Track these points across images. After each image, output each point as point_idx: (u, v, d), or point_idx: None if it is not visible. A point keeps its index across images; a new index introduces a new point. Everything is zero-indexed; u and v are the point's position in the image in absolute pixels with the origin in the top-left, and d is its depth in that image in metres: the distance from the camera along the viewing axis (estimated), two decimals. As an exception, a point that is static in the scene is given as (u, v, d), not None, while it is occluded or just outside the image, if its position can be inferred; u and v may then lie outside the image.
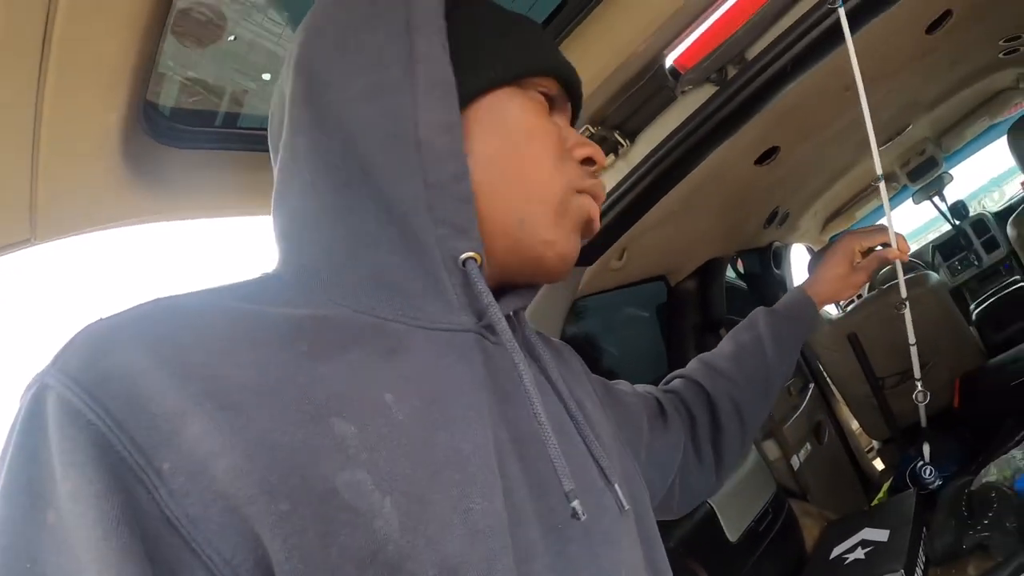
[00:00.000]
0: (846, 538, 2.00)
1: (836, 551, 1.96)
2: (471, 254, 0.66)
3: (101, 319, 0.54)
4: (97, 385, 0.48)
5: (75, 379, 0.48)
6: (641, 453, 1.00)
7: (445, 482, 0.56)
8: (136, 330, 0.53)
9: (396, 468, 0.54)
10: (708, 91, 1.54)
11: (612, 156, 1.66)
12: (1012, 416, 2.29)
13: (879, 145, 3.29)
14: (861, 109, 2.43)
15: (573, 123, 0.85)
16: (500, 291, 0.74)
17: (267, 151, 0.78)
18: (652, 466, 1.03)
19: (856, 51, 1.64)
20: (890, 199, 4.60)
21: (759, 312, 1.29)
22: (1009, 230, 3.17)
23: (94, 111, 0.89)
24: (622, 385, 1.10)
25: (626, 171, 1.66)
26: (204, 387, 0.50)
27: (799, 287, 1.34)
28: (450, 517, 0.55)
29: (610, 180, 1.69)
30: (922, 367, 3.24)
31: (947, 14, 2.01)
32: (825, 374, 3.39)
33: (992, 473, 1.97)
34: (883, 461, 3.56)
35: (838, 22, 1.37)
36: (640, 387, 1.15)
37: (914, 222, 5.75)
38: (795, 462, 2.66)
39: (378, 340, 0.62)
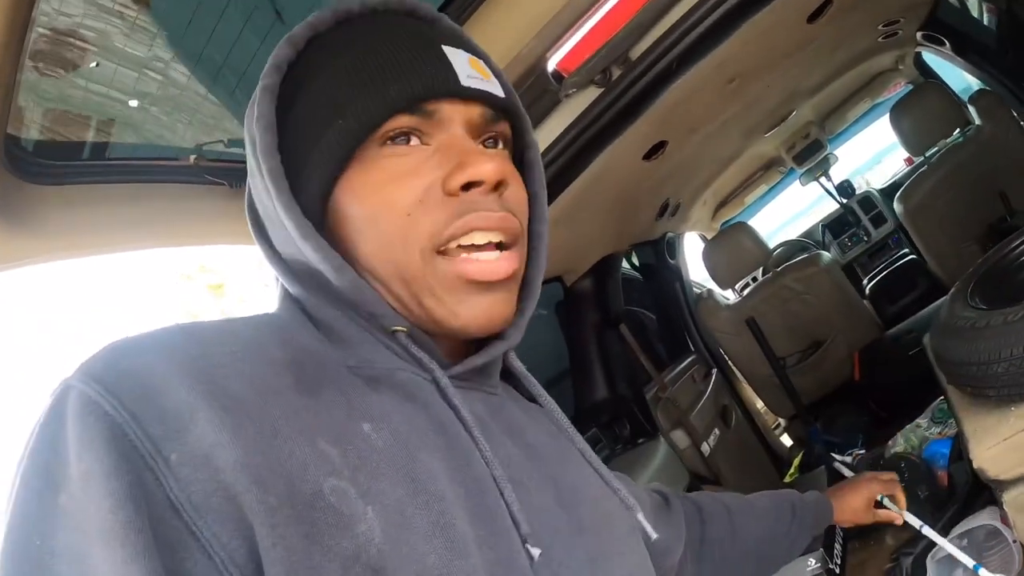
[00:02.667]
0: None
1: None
2: (397, 327, 0.70)
3: (124, 336, 0.58)
4: (115, 382, 0.52)
5: (95, 378, 0.52)
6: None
7: (425, 500, 0.59)
8: (152, 342, 0.57)
9: (377, 485, 0.57)
10: (593, 93, 1.51)
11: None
12: (911, 385, 2.32)
13: (765, 132, 3.35)
14: (745, 100, 2.45)
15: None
16: (473, 345, 0.77)
17: (141, 182, 0.82)
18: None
19: (739, 44, 1.62)
20: (777, 183, 4.69)
21: (801, 513, 1.40)
22: (896, 205, 3.24)
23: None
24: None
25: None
26: (211, 389, 0.53)
27: (828, 500, 1.50)
28: (431, 531, 0.58)
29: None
30: (820, 344, 3.32)
31: (827, 3, 2.03)
32: (727, 358, 3.43)
33: (900, 443, 2.00)
34: (790, 436, 3.65)
35: (720, 18, 1.34)
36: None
37: (801, 203, 5.88)
38: (705, 448, 2.66)
39: (351, 381, 0.65)
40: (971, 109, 3.14)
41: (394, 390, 0.67)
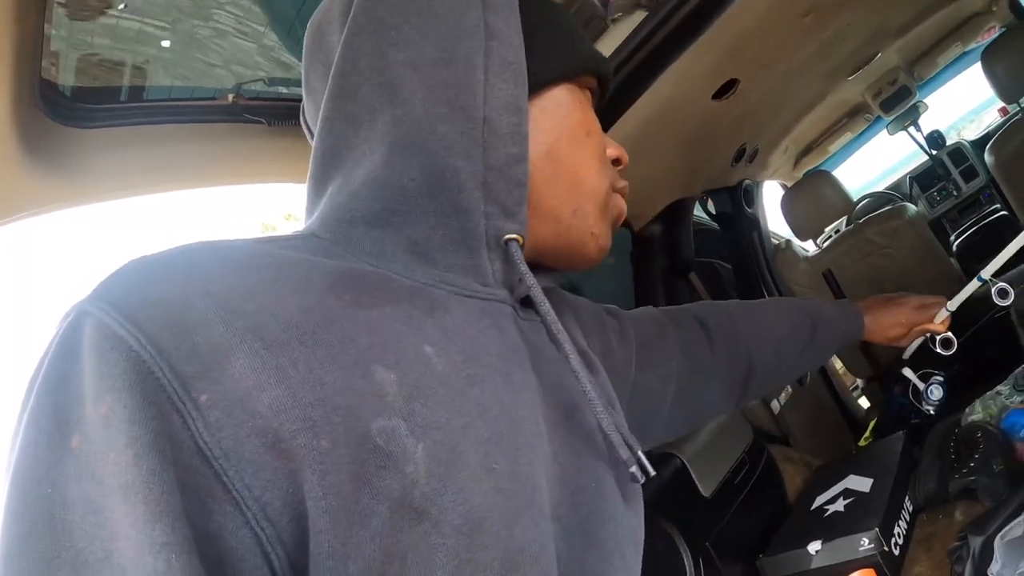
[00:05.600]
0: (830, 486, 1.93)
1: (818, 501, 1.88)
2: (515, 236, 0.68)
3: (144, 255, 0.54)
4: (140, 312, 0.48)
5: (116, 306, 0.48)
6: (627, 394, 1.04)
7: (475, 436, 0.57)
8: (183, 264, 0.53)
9: (432, 416, 0.55)
10: (639, 17, 1.48)
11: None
12: (997, 348, 2.25)
13: (848, 75, 3.21)
14: (823, 37, 2.34)
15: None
16: (532, 268, 0.73)
17: (179, 122, 0.77)
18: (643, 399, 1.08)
19: None
20: (863, 131, 4.50)
21: (821, 312, 1.39)
22: (987, 157, 3.08)
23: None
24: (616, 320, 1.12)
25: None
26: (249, 323, 0.50)
27: (858, 311, 1.46)
28: (478, 470, 0.56)
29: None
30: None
31: None
32: None
33: (978, 411, 1.89)
34: (868, 399, 3.49)
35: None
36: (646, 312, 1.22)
37: (891, 157, 5.66)
38: (775, 406, 2.58)
39: (416, 299, 0.63)
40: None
41: (464, 311, 0.66)
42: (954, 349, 1.39)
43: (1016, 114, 3.17)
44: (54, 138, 0.97)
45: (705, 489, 1.77)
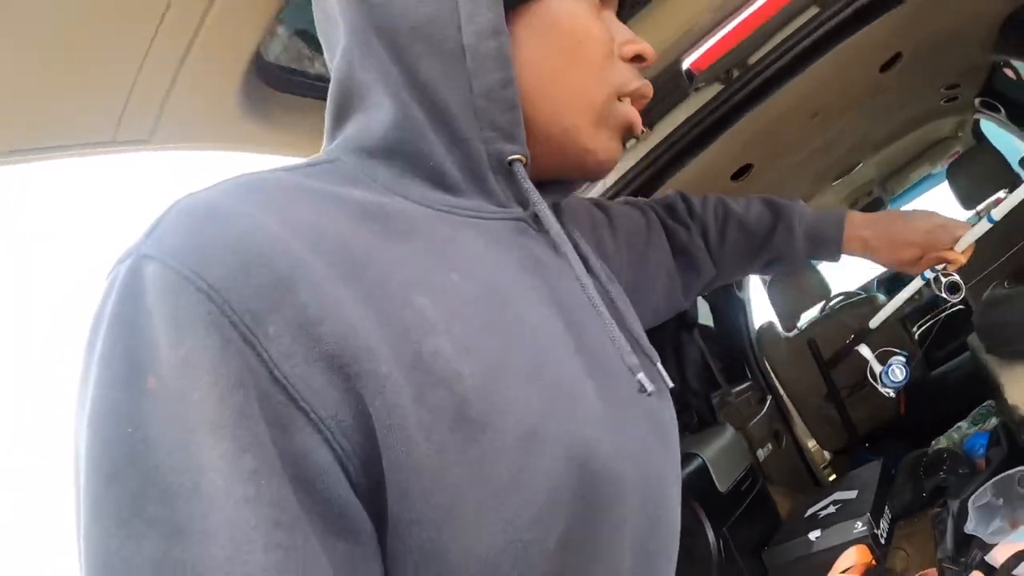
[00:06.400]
0: (819, 500, 2.31)
1: (811, 510, 2.25)
2: (517, 156, 0.68)
3: (191, 195, 0.54)
4: (201, 254, 0.48)
5: (176, 251, 0.49)
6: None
7: (518, 350, 0.59)
8: (231, 202, 0.53)
9: (472, 337, 0.56)
10: (715, 88, 1.86)
11: (633, 140, 1.94)
12: (954, 415, 2.59)
13: (833, 180, 3.68)
14: (824, 139, 2.78)
15: (624, 14, 0.81)
16: (540, 185, 0.74)
17: None
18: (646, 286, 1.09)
19: (818, 80, 1.97)
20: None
21: (785, 222, 1.19)
22: (947, 264, 3.55)
23: (236, 45, 1.03)
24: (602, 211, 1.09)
25: (643, 153, 1.96)
26: (304, 256, 0.51)
27: (842, 219, 1.19)
28: (525, 382, 0.57)
29: (629, 161, 1.98)
30: (867, 382, 3.57)
31: (897, 56, 2.36)
32: (781, 390, 3.71)
33: (942, 441, 2.31)
34: (835, 473, 3.83)
35: (815, 41, 1.71)
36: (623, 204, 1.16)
37: (860, 261, 6.15)
38: (760, 454, 2.97)
39: (434, 228, 0.63)
40: (1020, 171, 3.46)
41: (484, 235, 0.66)
42: (962, 295, 1.22)
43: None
44: (261, 96, 1.15)
45: (721, 485, 2.13)
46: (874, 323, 1.50)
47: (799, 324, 4.13)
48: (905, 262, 1.19)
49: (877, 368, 1.48)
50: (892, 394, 1.49)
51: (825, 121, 2.58)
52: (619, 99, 0.74)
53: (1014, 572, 1.46)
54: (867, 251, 1.19)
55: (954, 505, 1.79)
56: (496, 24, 0.65)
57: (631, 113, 0.76)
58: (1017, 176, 3.52)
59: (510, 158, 0.67)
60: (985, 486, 1.70)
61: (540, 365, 0.59)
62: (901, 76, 2.54)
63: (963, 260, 1.18)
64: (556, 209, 0.82)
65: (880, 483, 2.23)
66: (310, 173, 0.63)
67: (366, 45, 0.67)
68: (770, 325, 3.86)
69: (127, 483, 0.45)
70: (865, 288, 5.31)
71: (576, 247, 0.77)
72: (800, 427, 3.74)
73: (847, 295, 5.06)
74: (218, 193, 0.54)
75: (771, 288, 3.86)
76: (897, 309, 1.40)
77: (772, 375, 3.71)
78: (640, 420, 0.68)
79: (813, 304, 3.71)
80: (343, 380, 0.49)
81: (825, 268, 5.67)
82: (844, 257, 1.21)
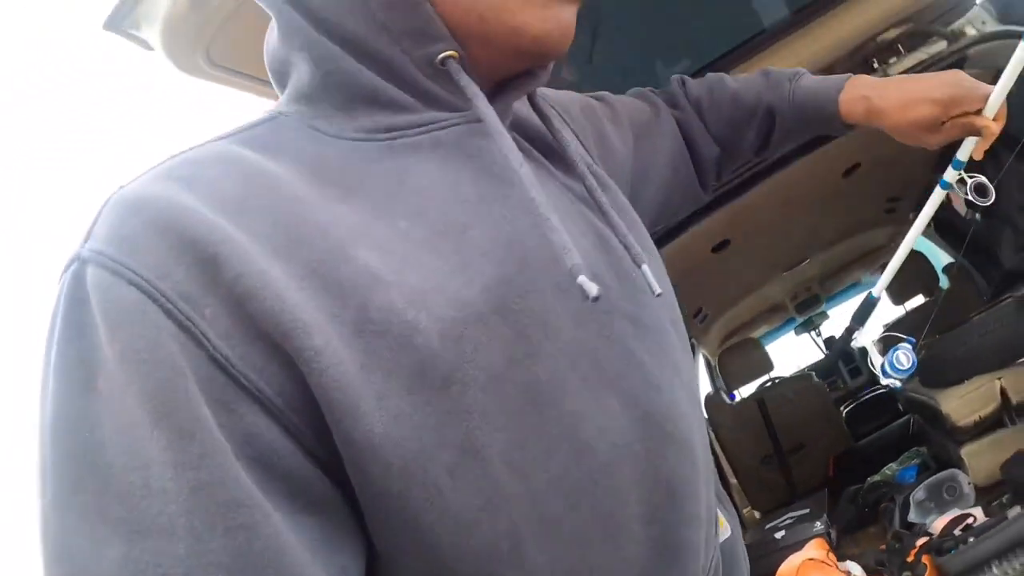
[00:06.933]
0: (775, 519, 2.77)
1: (769, 526, 2.71)
2: (447, 53, 0.61)
3: (120, 188, 0.53)
4: (131, 247, 0.48)
5: (108, 246, 0.48)
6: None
7: (481, 284, 0.55)
8: (158, 189, 0.52)
9: (427, 283, 0.54)
10: None
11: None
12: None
13: (784, 270, 4.19)
14: (785, 228, 3.23)
15: None
16: (500, 87, 0.68)
17: None
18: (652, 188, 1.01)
19: (793, 176, 2.28)
20: (778, 327, 5.62)
21: (775, 76, 1.06)
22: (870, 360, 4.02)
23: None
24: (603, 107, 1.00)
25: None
26: (231, 233, 0.50)
27: (843, 80, 1.02)
28: (493, 318, 0.55)
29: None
30: (803, 446, 4.03)
31: (857, 165, 2.81)
32: (720, 451, 4.04)
33: (876, 477, 2.82)
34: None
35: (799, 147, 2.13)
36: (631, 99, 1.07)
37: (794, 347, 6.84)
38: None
39: (381, 169, 0.60)
40: (943, 276, 4.08)
41: (436, 153, 0.62)
42: (990, 200, 1.00)
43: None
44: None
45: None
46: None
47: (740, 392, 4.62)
48: (921, 125, 0.96)
49: (878, 360, 1.33)
50: (898, 385, 1.36)
51: (790, 211, 3.03)
52: None
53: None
54: (872, 115, 0.98)
55: (899, 499, 2.31)
56: None
57: None
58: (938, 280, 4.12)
59: (440, 56, 0.61)
60: (920, 486, 2.22)
61: (511, 294, 0.57)
62: (858, 182, 2.99)
63: (996, 129, 0.94)
64: (537, 106, 0.75)
65: (829, 503, 2.74)
66: (246, 138, 0.60)
67: (277, 11, 0.64)
68: (716, 392, 4.32)
69: (88, 487, 0.45)
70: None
71: (564, 147, 0.73)
72: (736, 489, 4.12)
73: (782, 379, 5.65)
74: (145, 181, 0.53)
75: (724, 356, 4.34)
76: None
77: (714, 439, 4.05)
78: (626, 326, 0.64)
79: (758, 376, 4.20)
80: (282, 356, 0.49)
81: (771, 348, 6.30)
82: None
